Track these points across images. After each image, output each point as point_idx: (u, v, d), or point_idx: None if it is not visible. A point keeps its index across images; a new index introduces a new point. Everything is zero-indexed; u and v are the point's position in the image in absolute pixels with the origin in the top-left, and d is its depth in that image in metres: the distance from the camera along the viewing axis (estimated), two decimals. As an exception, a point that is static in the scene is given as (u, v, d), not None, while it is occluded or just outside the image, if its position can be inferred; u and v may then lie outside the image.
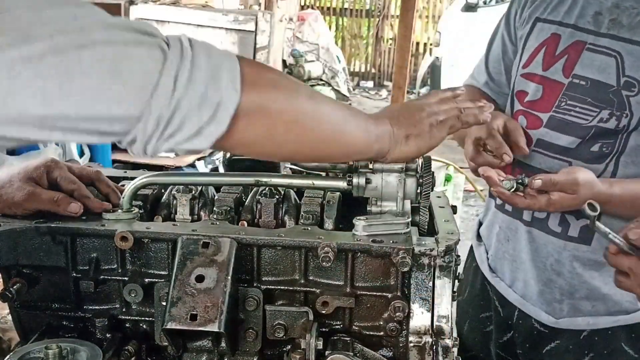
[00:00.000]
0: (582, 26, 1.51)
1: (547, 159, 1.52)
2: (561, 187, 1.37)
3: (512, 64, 1.68)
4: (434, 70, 9.81)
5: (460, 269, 1.18)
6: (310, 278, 1.13)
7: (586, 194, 1.35)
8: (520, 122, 1.55)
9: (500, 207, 1.66)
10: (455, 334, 1.09)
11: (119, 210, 1.17)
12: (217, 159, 4.74)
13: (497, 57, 1.74)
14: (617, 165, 1.45)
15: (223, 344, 1.09)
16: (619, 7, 1.47)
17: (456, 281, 1.11)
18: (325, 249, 1.06)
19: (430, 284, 1.08)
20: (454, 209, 1.28)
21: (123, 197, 1.18)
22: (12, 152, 3.09)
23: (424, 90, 10.73)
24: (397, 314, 1.09)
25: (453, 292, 1.09)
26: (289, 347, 1.13)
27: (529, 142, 1.53)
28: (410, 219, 1.15)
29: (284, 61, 9.33)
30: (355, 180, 1.16)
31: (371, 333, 1.14)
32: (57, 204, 1.12)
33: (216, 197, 1.25)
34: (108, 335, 1.13)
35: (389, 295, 1.12)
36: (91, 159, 4.08)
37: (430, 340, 1.06)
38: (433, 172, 1.19)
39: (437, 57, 9.67)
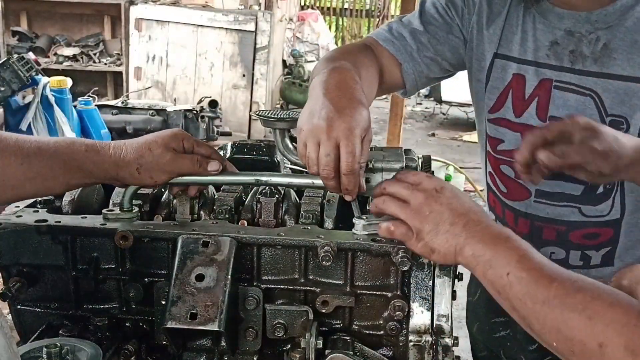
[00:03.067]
0: (542, 62, 1.39)
1: (556, 208, 1.44)
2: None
3: (440, 53, 1.52)
4: (434, 70, 9.79)
5: (460, 268, 1.18)
6: (310, 277, 1.13)
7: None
8: (506, 172, 1.49)
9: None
10: (455, 333, 1.09)
11: (119, 210, 1.17)
12: (217, 159, 4.74)
13: (432, 35, 1.52)
14: (623, 195, 1.39)
15: (223, 343, 1.09)
16: (574, 35, 1.35)
17: (456, 280, 1.11)
18: (325, 248, 1.06)
19: (430, 283, 1.08)
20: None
21: (123, 197, 1.18)
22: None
23: (424, 90, 10.73)
24: (397, 313, 1.09)
25: (453, 291, 1.09)
26: (288, 346, 1.13)
27: (526, 193, 1.46)
28: (410, 218, 1.15)
29: (284, 61, 9.34)
30: (355, 180, 1.16)
31: (371, 332, 1.14)
32: (199, 165, 1.16)
33: (216, 197, 1.25)
34: (108, 334, 1.13)
35: (389, 295, 1.12)
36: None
37: (430, 339, 1.06)
38: (433, 172, 1.20)
39: (437, 57, 9.65)
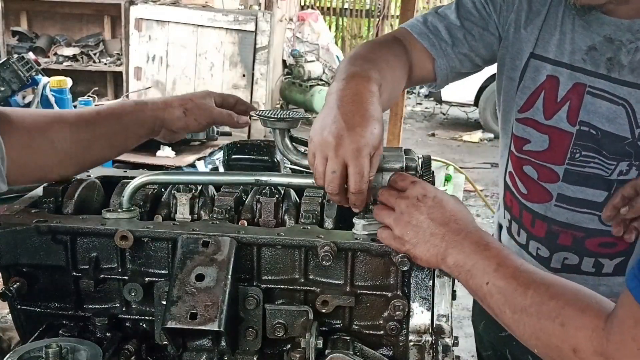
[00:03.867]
0: (578, 65, 1.38)
1: (576, 214, 1.44)
2: None
3: (474, 49, 1.50)
4: (434, 70, 9.79)
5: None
6: (310, 277, 1.13)
7: None
8: (529, 173, 1.49)
9: (524, 247, 1.55)
10: (454, 333, 1.09)
11: (119, 210, 1.17)
12: (217, 159, 4.75)
13: (468, 31, 1.50)
14: None
15: (223, 343, 1.09)
16: (613, 42, 1.34)
17: (456, 280, 1.11)
18: (325, 248, 1.06)
19: (430, 283, 1.08)
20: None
21: (123, 197, 1.18)
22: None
23: (423, 90, 10.73)
24: (397, 313, 1.09)
25: (453, 291, 1.09)
26: (288, 346, 1.13)
27: (548, 196, 1.47)
28: (410, 218, 1.15)
29: (284, 61, 9.34)
30: (355, 180, 1.16)
31: (371, 332, 1.14)
32: (232, 117, 1.35)
33: (216, 197, 1.25)
34: (108, 334, 1.13)
35: (389, 294, 1.12)
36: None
37: (430, 339, 1.06)
38: (433, 172, 1.19)
39: (437, 57, 9.65)
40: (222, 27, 6.91)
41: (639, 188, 1.31)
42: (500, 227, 1.71)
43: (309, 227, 1.15)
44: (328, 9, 11.92)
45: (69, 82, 4.56)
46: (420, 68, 1.49)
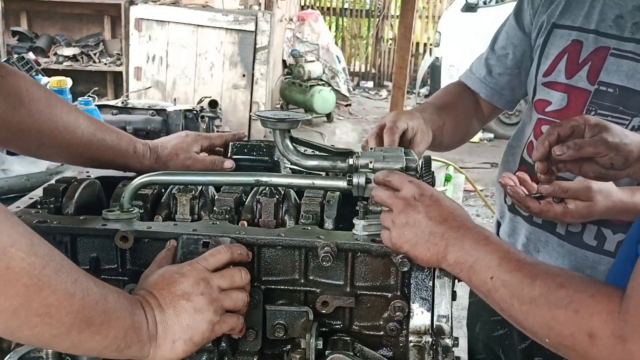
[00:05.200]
0: (604, 31, 1.46)
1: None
2: (573, 194, 1.35)
3: (523, 62, 1.65)
4: (434, 70, 9.82)
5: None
6: (310, 278, 1.13)
7: (603, 202, 1.33)
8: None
9: (528, 218, 1.59)
10: (455, 334, 1.09)
11: (119, 210, 1.17)
12: (217, 159, 4.74)
13: (501, 52, 1.69)
14: None
15: (223, 344, 1.09)
16: None
17: (456, 281, 1.11)
18: (325, 248, 1.06)
19: (430, 283, 1.08)
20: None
21: (123, 197, 1.18)
22: (12, 153, 3.10)
23: (423, 90, 10.74)
24: (397, 313, 1.09)
25: (453, 291, 1.09)
26: (289, 346, 1.13)
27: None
28: (410, 219, 1.15)
29: (284, 61, 9.34)
30: (355, 180, 1.16)
31: (371, 333, 1.14)
32: (216, 165, 1.42)
33: (216, 197, 1.25)
34: (108, 334, 1.13)
35: (389, 295, 1.12)
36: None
37: (430, 339, 1.06)
38: (433, 172, 1.20)
39: (437, 57, 9.68)
40: (222, 27, 6.91)
41: (577, 128, 1.26)
42: (498, 224, 1.73)
43: (309, 228, 1.15)
44: (328, 9, 11.92)
45: (69, 82, 4.55)
46: (487, 109, 1.76)
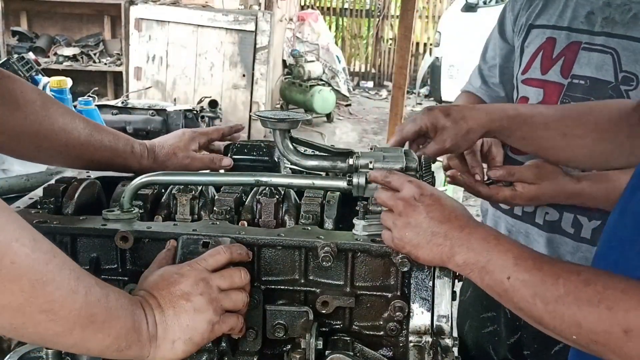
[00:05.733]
0: (576, 27, 1.54)
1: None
2: (520, 177, 1.40)
3: (509, 69, 1.71)
4: (434, 70, 9.82)
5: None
6: (310, 278, 1.13)
7: (550, 185, 1.39)
8: None
9: (508, 211, 1.65)
10: (455, 334, 1.09)
11: (119, 210, 1.17)
12: (217, 159, 4.74)
13: (492, 62, 1.78)
14: None
15: (223, 344, 1.09)
16: (611, 5, 1.50)
17: (456, 281, 1.11)
18: (325, 248, 1.06)
19: (430, 283, 1.08)
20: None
21: (123, 197, 1.18)
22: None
23: (424, 90, 10.74)
24: (397, 313, 1.09)
25: (453, 291, 1.09)
26: (289, 346, 1.13)
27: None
28: (410, 219, 1.15)
29: (284, 61, 9.33)
30: (355, 180, 1.16)
31: (371, 333, 1.14)
32: (214, 162, 1.43)
33: (216, 197, 1.25)
34: (108, 334, 1.13)
35: (389, 295, 1.12)
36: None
37: (430, 339, 1.06)
38: (433, 172, 1.20)
39: (437, 57, 9.68)
40: (222, 27, 6.91)
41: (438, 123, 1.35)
42: (485, 211, 1.78)
43: (309, 228, 1.15)
44: (328, 9, 11.91)
45: (69, 82, 4.56)
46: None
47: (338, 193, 1.25)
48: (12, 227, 0.79)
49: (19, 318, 0.80)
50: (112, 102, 5.48)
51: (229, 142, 1.51)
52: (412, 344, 1.06)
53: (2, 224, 0.77)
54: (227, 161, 1.42)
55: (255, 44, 6.92)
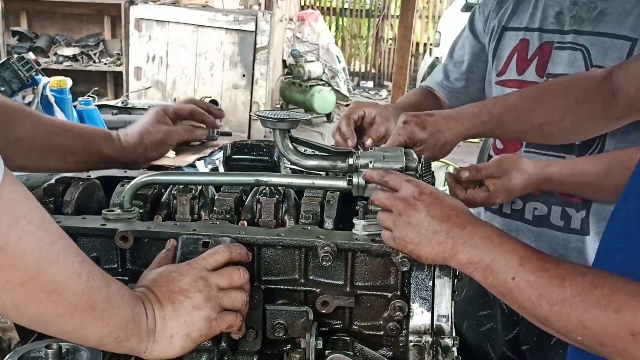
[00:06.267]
0: (547, 28, 1.61)
1: (543, 158, 1.56)
2: (486, 173, 1.43)
3: (478, 67, 1.79)
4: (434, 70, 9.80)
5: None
6: (310, 277, 1.13)
7: (519, 175, 1.42)
8: None
9: (497, 211, 1.69)
10: (455, 333, 1.09)
11: (119, 210, 1.17)
12: (217, 159, 4.74)
13: (459, 59, 1.84)
14: (603, 144, 1.51)
15: (223, 344, 1.09)
16: (577, 4, 1.57)
17: (456, 280, 1.11)
18: (325, 248, 1.06)
19: (430, 283, 1.08)
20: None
21: (123, 197, 1.18)
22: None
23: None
24: (397, 313, 1.09)
25: (453, 291, 1.09)
26: (288, 346, 1.13)
27: (518, 144, 1.62)
28: (410, 219, 1.15)
29: (284, 61, 9.33)
30: (355, 180, 1.16)
31: (371, 332, 1.14)
32: (190, 132, 1.47)
33: (216, 197, 1.25)
34: (108, 334, 1.13)
35: (389, 295, 1.12)
36: (91, 159, 4.08)
37: (430, 339, 1.06)
38: (433, 172, 1.19)
39: (437, 57, 9.67)
40: (222, 27, 6.91)
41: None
42: (478, 214, 1.79)
43: (309, 228, 1.15)
44: (328, 9, 11.91)
45: (69, 82, 4.56)
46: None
47: (338, 193, 1.25)
48: (22, 204, 0.79)
49: (22, 295, 0.80)
50: (112, 102, 5.49)
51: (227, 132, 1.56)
52: (412, 344, 1.06)
53: (15, 200, 0.77)
54: (200, 132, 1.49)
55: (255, 44, 6.92)
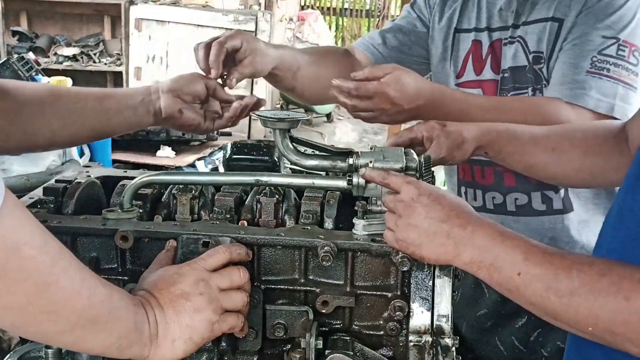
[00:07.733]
0: (493, 26, 1.69)
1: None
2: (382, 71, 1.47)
3: (409, 45, 1.83)
4: (434, 70, 9.79)
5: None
6: (310, 277, 1.13)
7: (412, 76, 1.49)
8: None
9: (481, 208, 1.71)
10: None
11: (119, 210, 1.17)
12: (217, 159, 4.74)
13: (397, 29, 1.85)
14: None
15: (223, 343, 1.09)
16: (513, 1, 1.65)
17: (456, 280, 1.11)
18: (325, 248, 1.06)
19: (430, 283, 1.08)
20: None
21: (123, 197, 1.18)
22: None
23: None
24: (397, 313, 1.09)
25: (453, 291, 1.09)
26: (288, 346, 1.13)
27: None
28: (410, 219, 1.15)
29: (284, 61, 9.32)
30: (355, 180, 1.16)
31: (371, 332, 1.14)
32: (200, 127, 1.48)
33: (216, 197, 1.25)
34: (108, 334, 1.13)
35: (389, 295, 1.12)
36: (91, 159, 4.09)
37: (430, 339, 1.06)
38: (433, 172, 1.19)
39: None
40: (222, 27, 6.89)
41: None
42: None
43: (309, 228, 1.15)
44: (328, 9, 11.91)
45: (69, 82, 4.56)
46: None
47: (338, 193, 1.25)
48: (24, 229, 0.79)
49: (21, 318, 0.80)
50: (112, 102, 5.47)
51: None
52: (412, 344, 1.06)
53: (15, 227, 0.77)
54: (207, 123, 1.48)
55: (255, 44, 6.91)
